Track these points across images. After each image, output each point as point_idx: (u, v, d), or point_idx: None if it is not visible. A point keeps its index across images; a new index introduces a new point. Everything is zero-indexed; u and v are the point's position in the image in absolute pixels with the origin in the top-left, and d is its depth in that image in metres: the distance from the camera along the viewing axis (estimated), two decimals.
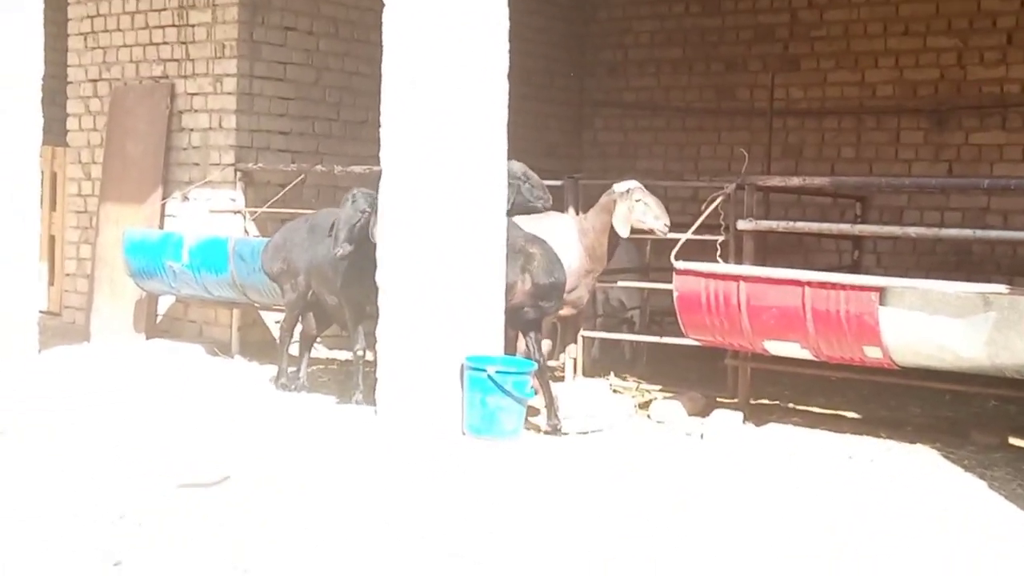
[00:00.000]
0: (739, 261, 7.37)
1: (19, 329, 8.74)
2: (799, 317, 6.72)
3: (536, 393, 6.98)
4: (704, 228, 7.38)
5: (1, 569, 4.35)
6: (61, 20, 11.04)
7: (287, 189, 9.68)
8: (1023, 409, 7.81)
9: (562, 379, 8.17)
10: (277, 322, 8.68)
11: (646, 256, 9.21)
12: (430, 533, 4.85)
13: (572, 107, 13.38)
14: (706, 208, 7.38)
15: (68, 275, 11.29)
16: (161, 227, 10.12)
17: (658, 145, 12.94)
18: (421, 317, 6.76)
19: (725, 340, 7.20)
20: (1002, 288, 6.38)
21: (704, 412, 7.45)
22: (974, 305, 6.28)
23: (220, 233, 9.37)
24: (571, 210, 8.23)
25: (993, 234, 8.45)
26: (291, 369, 8.20)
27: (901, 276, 7.82)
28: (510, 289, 7.01)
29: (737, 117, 12.37)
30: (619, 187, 7.56)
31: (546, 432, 6.95)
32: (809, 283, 6.72)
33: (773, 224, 8.07)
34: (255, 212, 9.70)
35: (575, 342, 8.31)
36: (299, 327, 8.32)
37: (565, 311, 7.83)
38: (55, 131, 10.85)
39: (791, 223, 8.38)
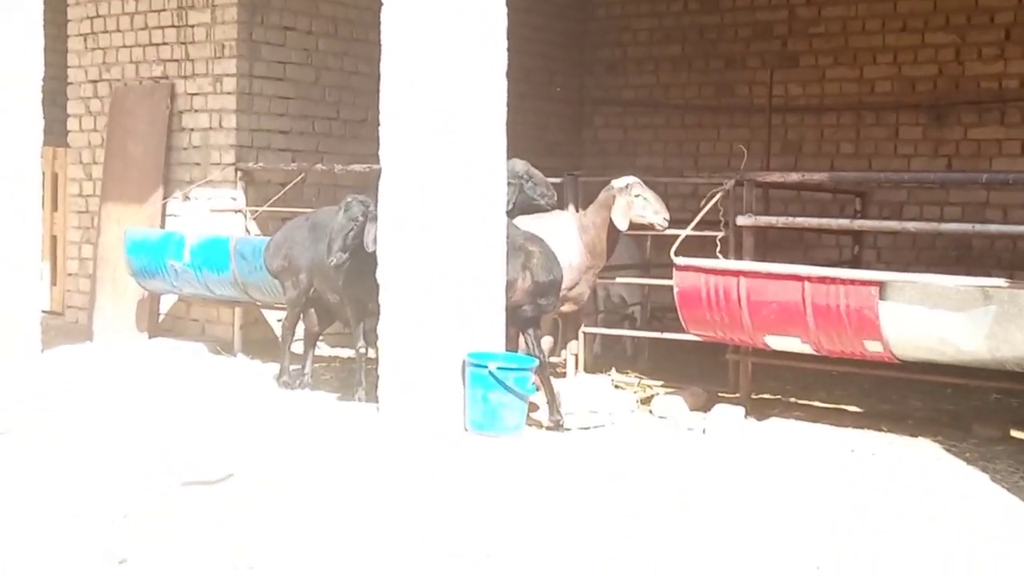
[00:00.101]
0: (739, 257, 7.39)
1: (21, 328, 8.76)
2: (799, 312, 6.74)
3: (538, 389, 7.00)
4: (704, 224, 7.40)
5: (5, 569, 4.36)
6: (61, 21, 11.04)
7: (288, 188, 9.69)
8: None
9: (564, 375, 8.20)
10: (279, 320, 8.70)
11: (647, 252, 9.23)
12: (431, 532, 4.86)
13: (572, 105, 13.39)
14: (705, 204, 7.40)
15: (70, 275, 11.30)
16: (162, 227, 10.13)
17: (658, 142, 12.95)
18: (422, 314, 6.78)
19: (726, 335, 7.22)
20: (1002, 282, 6.40)
21: (705, 407, 7.47)
22: (974, 299, 6.30)
23: (221, 232, 9.38)
24: (571, 207, 8.25)
25: (993, 228, 8.44)
26: (294, 367, 8.22)
27: (901, 271, 7.85)
28: (511, 286, 7.03)
29: (736, 114, 12.38)
30: (618, 183, 7.60)
31: (548, 428, 6.98)
32: (809, 278, 6.73)
33: (772, 220, 8.09)
34: (256, 211, 9.72)
35: (576, 338, 8.34)
36: (302, 325, 8.34)
37: (566, 307, 7.86)
38: (56, 132, 10.87)
39: (790, 219, 8.40)
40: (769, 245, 9.56)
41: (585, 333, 8.46)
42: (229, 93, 9.99)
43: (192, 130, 10.24)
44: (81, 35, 11.01)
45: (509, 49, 7.04)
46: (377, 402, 6.99)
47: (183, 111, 10.29)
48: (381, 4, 6.98)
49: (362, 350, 7.64)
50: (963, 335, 6.35)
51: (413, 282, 6.80)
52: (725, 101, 12.52)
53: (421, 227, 6.79)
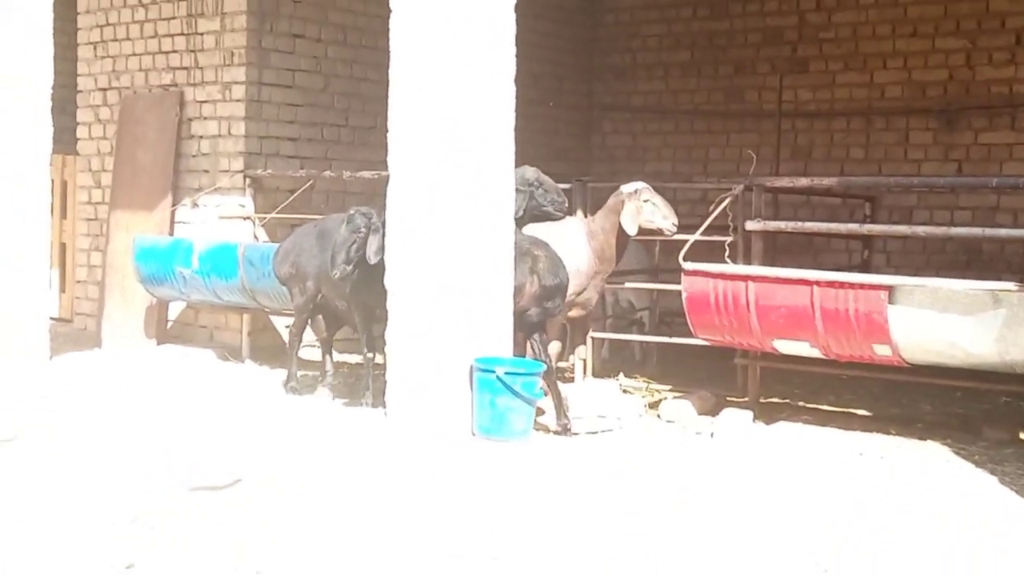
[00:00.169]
0: (748, 262, 7.38)
1: (30, 334, 8.76)
2: (808, 316, 6.73)
3: (545, 394, 6.99)
4: (713, 229, 7.40)
5: (15, 573, 4.36)
6: (71, 30, 11.08)
7: (296, 195, 9.71)
8: None
9: (572, 380, 8.19)
10: (287, 326, 8.70)
11: (655, 258, 9.22)
12: (436, 534, 4.86)
13: (581, 111, 13.39)
14: (714, 209, 7.40)
15: (79, 282, 11.33)
16: (171, 234, 10.15)
17: (667, 148, 12.94)
18: (430, 319, 6.78)
19: (734, 340, 7.21)
20: (1011, 285, 6.38)
21: (714, 411, 7.45)
22: (983, 302, 6.28)
23: (230, 239, 9.40)
24: (579, 212, 8.25)
25: (1003, 232, 8.44)
26: (303, 373, 8.22)
27: (912, 275, 7.83)
28: (518, 291, 7.04)
29: (746, 119, 12.36)
30: (627, 188, 7.59)
31: (556, 432, 6.97)
32: (818, 282, 6.73)
33: (781, 225, 8.09)
34: (264, 218, 9.74)
35: (585, 343, 8.33)
36: (310, 332, 8.35)
37: (575, 312, 7.85)
38: (65, 140, 10.91)
39: (799, 223, 8.38)
40: (779, 250, 9.54)
41: (593, 338, 8.45)
42: (238, 100, 10.01)
43: (201, 137, 10.26)
44: (91, 43, 11.05)
45: (518, 55, 7.04)
46: (384, 407, 6.99)
47: (192, 118, 10.32)
48: (390, 12, 7.00)
49: (369, 355, 7.65)
50: (972, 339, 6.34)
51: (421, 288, 6.80)
52: (734, 107, 12.50)
53: (429, 233, 6.79)
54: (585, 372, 8.31)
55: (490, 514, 5.19)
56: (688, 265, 7.15)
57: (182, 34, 10.38)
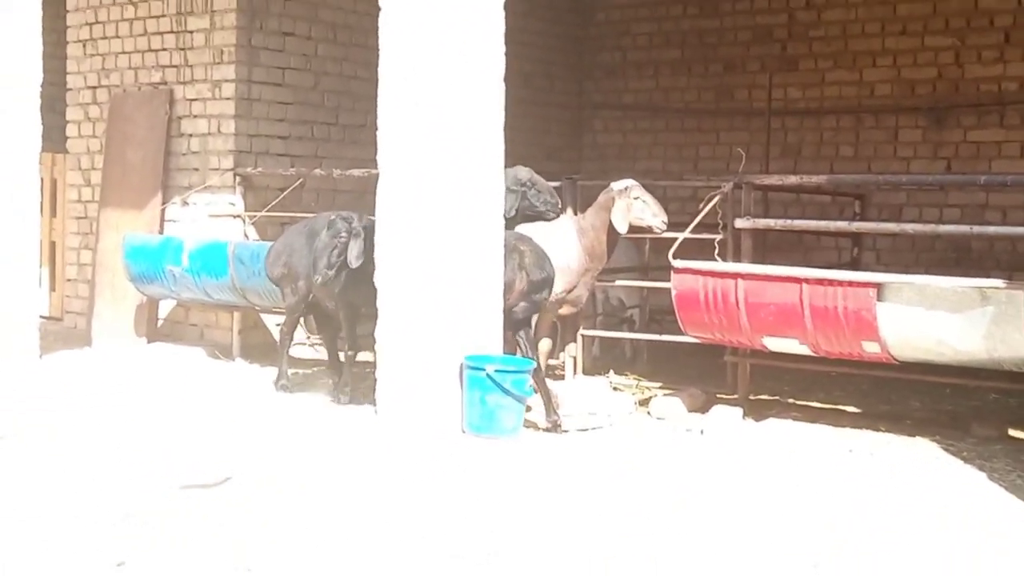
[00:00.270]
0: (737, 259, 7.39)
1: (20, 332, 8.76)
2: (797, 313, 6.74)
3: (535, 391, 7.00)
4: (703, 227, 7.41)
5: (5, 570, 4.36)
6: (60, 28, 11.07)
7: (286, 193, 9.71)
8: (1023, 401, 7.81)
9: (562, 377, 8.20)
10: (278, 324, 8.70)
11: (645, 255, 9.24)
12: (432, 533, 4.85)
13: (572, 110, 13.41)
14: (703, 207, 7.41)
15: (69, 280, 11.32)
16: (161, 232, 10.14)
17: (657, 146, 12.96)
18: (420, 317, 6.79)
19: (724, 337, 7.23)
20: (999, 283, 6.40)
21: (704, 408, 7.47)
22: (971, 300, 6.30)
23: (220, 237, 9.39)
24: (569, 210, 8.25)
25: (991, 230, 8.46)
26: (296, 372, 8.20)
27: (901, 273, 7.84)
28: (508, 288, 7.05)
29: (736, 118, 12.39)
30: (617, 185, 7.61)
31: (545, 429, 6.97)
32: (807, 280, 6.74)
33: (771, 222, 8.10)
34: (254, 216, 9.73)
35: (575, 341, 8.34)
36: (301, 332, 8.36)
37: (565, 310, 7.87)
38: (55, 138, 10.90)
39: (788, 221, 8.40)
40: (768, 248, 9.56)
41: (584, 336, 8.47)
42: (228, 99, 10.00)
43: (191, 136, 10.25)
44: (80, 41, 11.03)
45: (508, 54, 7.05)
46: (368, 404, 6.99)
47: (182, 117, 10.31)
48: (380, 10, 6.99)
49: (349, 353, 7.74)
50: (961, 336, 6.36)
51: (411, 286, 6.80)
52: (724, 105, 12.53)
53: (419, 231, 6.80)
54: (575, 370, 8.32)
55: (487, 513, 5.19)
56: (677, 263, 7.16)
57: (172, 32, 10.36)
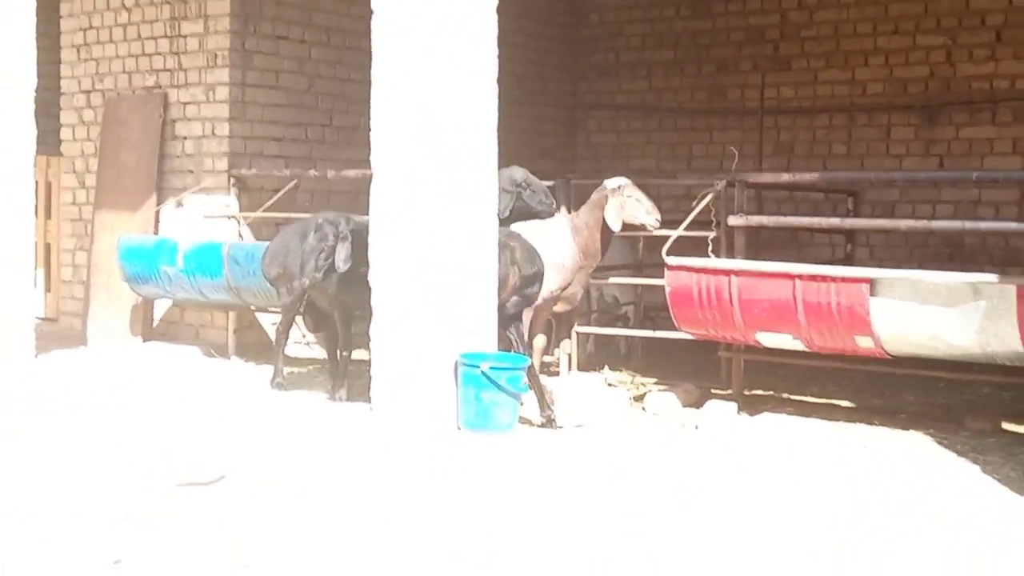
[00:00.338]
0: (731, 257, 7.42)
1: (16, 332, 8.77)
2: (791, 309, 6.77)
3: (530, 388, 7.02)
4: (696, 225, 7.44)
5: (3, 570, 4.37)
6: (54, 32, 11.09)
7: (281, 194, 9.73)
8: (1016, 395, 7.84)
9: (557, 374, 8.22)
10: (273, 324, 8.72)
11: (639, 253, 9.27)
12: (431, 533, 4.84)
13: (565, 110, 13.44)
14: (697, 205, 7.44)
15: (64, 282, 11.33)
16: (156, 233, 10.15)
17: (651, 146, 13.00)
18: (415, 315, 6.80)
19: (718, 333, 7.25)
20: (991, 277, 6.43)
21: (698, 404, 7.50)
22: (964, 294, 6.32)
23: (214, 238, 9.41)
24: (563, 209, 8.29)
25: (983, 225, 8.51)
26: (292, 370, 8.22)
27: (894, 268, 7.86)
28: (502, 284, 7.07)
29: (729, 117, 12.42)
30: (610, 183, 7.65)
31: (541, 425, 6.99)
32: (800, 276, 6.77)
33: (764, 219, 8.13)
34: (249, 217, 9.75)
35: (570, 338, 8.37)
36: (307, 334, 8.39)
37: (560, 307, 7.89)
38: (49, 142, 10.91)
39: (781, 218, 8.43)
40: (762, 245, 9.58)
41: (579, 332, 8.49)
42: (222, 102, 10.03)
43: (185, 138, 10.27)
44: (74, 46, 11.05)
45: (502, 55, 7.07)
46: (359, 401, 7.01)
47: (176, 120, 10.33)
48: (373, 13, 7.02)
49: (345, 353, 7.77)
50: (953, 330, 6.38)
51: (406, 284, 6.82)
52: (717, 105, 12.56)
53: (413, 231, 6.81)
54: (570, 366, 8.36)
55: (485, 512, 5.17)
56: (671, 260, 7.18)
57: (165, 36, 10.39)
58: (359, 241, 7.34)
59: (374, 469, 5.89)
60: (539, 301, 7.53)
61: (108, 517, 4.97)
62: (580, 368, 8.41)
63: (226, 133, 10.00)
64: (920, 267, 8.31)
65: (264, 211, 9.66)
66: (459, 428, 6.74)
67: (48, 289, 11.65)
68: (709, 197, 7.49)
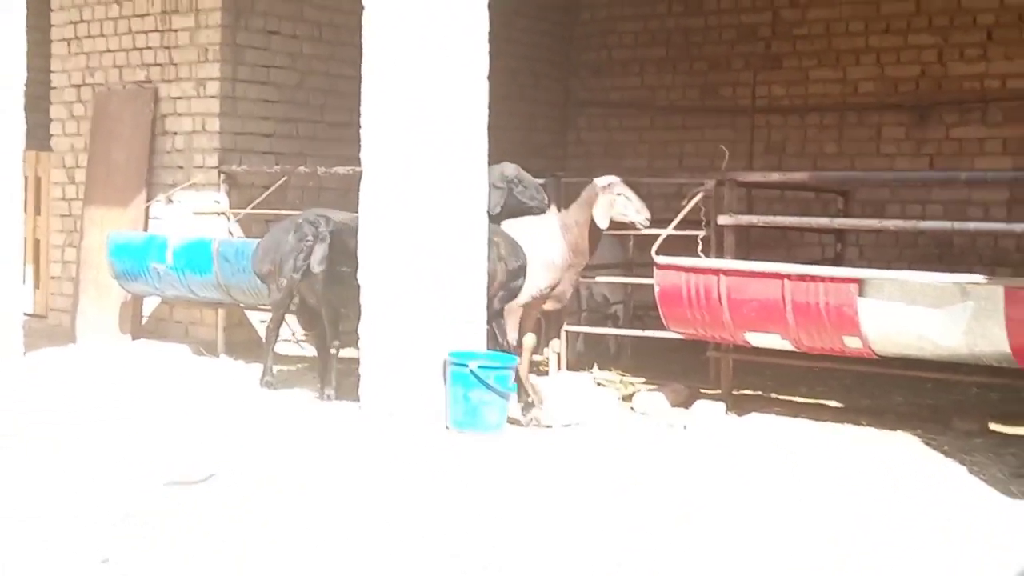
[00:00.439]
0: (721, 256, 7.42)
1: (4, 329, 8.74)
2: (779, 309, 6.77)
3: (519, 387, 7.02)
4: (686, 224, 7.44)
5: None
6: (44, 26, 11.05)
7: (271, 191, 9.71)
8: (1004, 396, 7.87)
9: (547, 373, 8.22)
10: (262, 321, 8.70)
11: (629, 252, 9.27)
12: (428, 533, 4.82)
13: (557, 107, 13.43)
14: (686, 204, 7.44)
15: (53, 278, 11.31)
16: (145, 230, 10.14)
17: (643, 144, 13.01)
18: (404, 314, 6.79)
19: (707, 333, 7.26)
20: (979, 278, 6.44)
21: (687, 403, 7.50)
22: (952, 295, 6.33)
23: (204, 235, 9.39)
24: (553, 206, 8.27)
25: (972, 226, 8.51)
26: (282, 368, 8.20)
27: (884, 268, 7.88)
28: (491, 279, 7.07)
29: (721, 115, 12.44)
30: (600, 181, 7.63)
31: (531, 424, 6.98)
32: (789, 276, 6.77)
33: (753, 219, 8.13)
34: (239, 213, 9.73)
35: (559, 336, 8.37)
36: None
37: (549, 305, 7.88)
38: (39, 136, 10.88)
39: (771, 218, 8.44)
40: (752, 244, 9.60)
41: (568, 331, 8.49)
42: (213, 97, 10.01)
43: (175, 134, 10.25)
44: (64, 40, 11.02)
45: (494, 52, 7.06)
46: (347, 400, 6.99)
47: (166, 115, 10.31)
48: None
49: (332, 351, 7.74)
50: (941, 331, 6.39)
51: (395, 282, 6.82)
52: (709, 103, 12.58)
53: (402, 228, 6.81)
54: (559, 365, 8.35)
55: (475, 515, 5.14)
56: (661, 259, 7.18)
57: (156, 31, 10.36)
58: (340, 241, 7.33)
59: (363, 469, 5.88)
60: (528, 299, 7.52)
61: (96, 516, 4.95)
62: (569, 367, 8.41)
63: (216, 129, 9.97)
64: (909, 267, 8.35)
65: (254, 208, 9.64)
66: (447, 427, 6.74)
67: (37, 286, 11.62)
68: (699, 196, 7.49)
